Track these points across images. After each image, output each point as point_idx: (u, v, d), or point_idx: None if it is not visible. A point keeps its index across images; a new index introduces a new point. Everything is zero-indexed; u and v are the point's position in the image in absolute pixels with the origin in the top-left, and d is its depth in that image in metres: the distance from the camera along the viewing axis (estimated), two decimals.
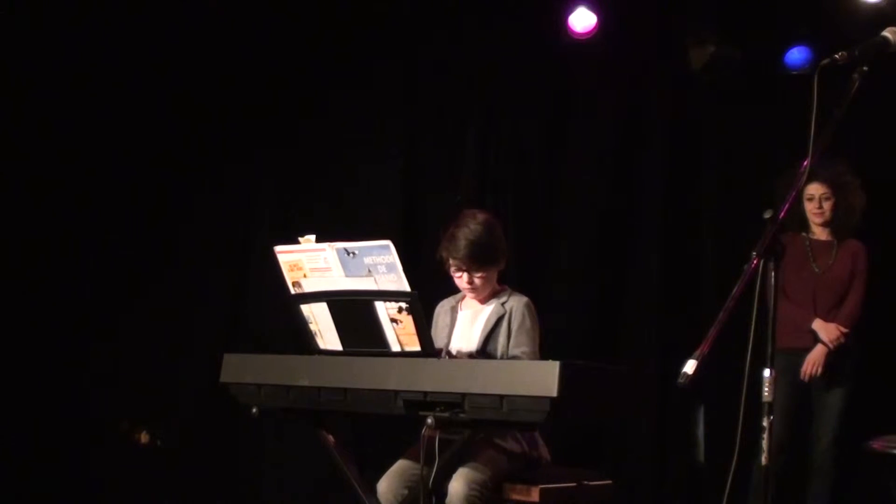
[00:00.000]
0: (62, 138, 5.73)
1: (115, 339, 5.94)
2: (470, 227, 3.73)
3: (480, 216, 3.79)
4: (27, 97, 5.60)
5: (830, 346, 4.81)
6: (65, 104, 5.70)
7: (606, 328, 5.81)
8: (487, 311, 3.82)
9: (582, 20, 5.68)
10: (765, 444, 2.49)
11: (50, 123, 5.69)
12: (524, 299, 3.80)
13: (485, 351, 3.75)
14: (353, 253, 3.36)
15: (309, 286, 3.49)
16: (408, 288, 3.31)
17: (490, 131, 6.02)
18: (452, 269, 3.78)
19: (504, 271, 3.92)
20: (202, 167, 6.07)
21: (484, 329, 3.78)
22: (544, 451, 3.80)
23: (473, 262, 3.73)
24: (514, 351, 3.70)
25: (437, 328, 3.91)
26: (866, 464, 4.40)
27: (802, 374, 4.83)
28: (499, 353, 3.73)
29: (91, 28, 5.65)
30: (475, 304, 3.88)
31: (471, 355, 3.74)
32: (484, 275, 3.77)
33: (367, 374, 3.37)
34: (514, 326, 3.73)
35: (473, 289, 3.80)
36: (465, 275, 3.76)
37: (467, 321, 3.87)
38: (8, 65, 5.50)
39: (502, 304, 3.80)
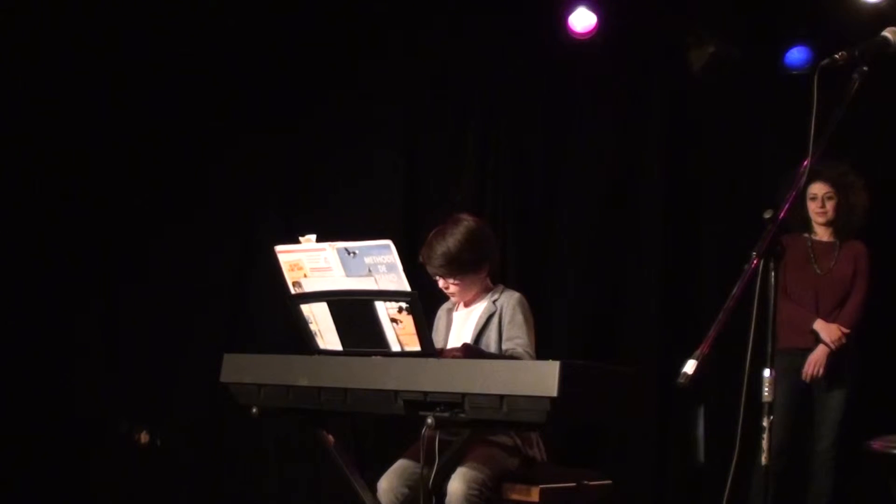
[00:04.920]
0: (60, 136, 5.73)
1: (116, 338, 5.94)
2: (445, 237, 3.72)
3: (462, 223, 3.77)
4: (27, 93, 5.59)
5: (832, 346, 4.81)
6: (64, 102, 5.69)
7: (606, 328, 5.81)
8: (479, 309, 3.83)
9: (582, 20, 5.68)
10: (765, 444, 2.48)
11: (47, 120, 5.68)
12: (516, 295, 3.80)
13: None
14: (354, 253, 3.36)
15: (309, 286, 3.49)
16: (408, 288, 3.31)
17: (490, 131, 6.02)
18: (432, 274, 3.80)
19: (501, 271, 3.92)
20: (202, 167, 6.07)
21: (475, 328, 3.78)
22: (540, 451, 3.80)
23: (446, 272, 3.74)
24: (507, 344, 3.70)
25: (437, 332, 3.92)
26: (866, 464, 4.40)
27: (804, 374, 4.83)
28: (492, 351, 3.72)
29: (95, 26, 5.65)
30: (465, 305, 3.89)
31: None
32: (459, 282, 3.78)
33: (367, 374, 3.37)
34: (506, 321, 3.73)
35: (451, 294, 3.84)
36: (442, 280, 3.79)
37: (460, 322, 3.89)
38: (11, 61, 5.51)
39: (493, 301, 3.80)
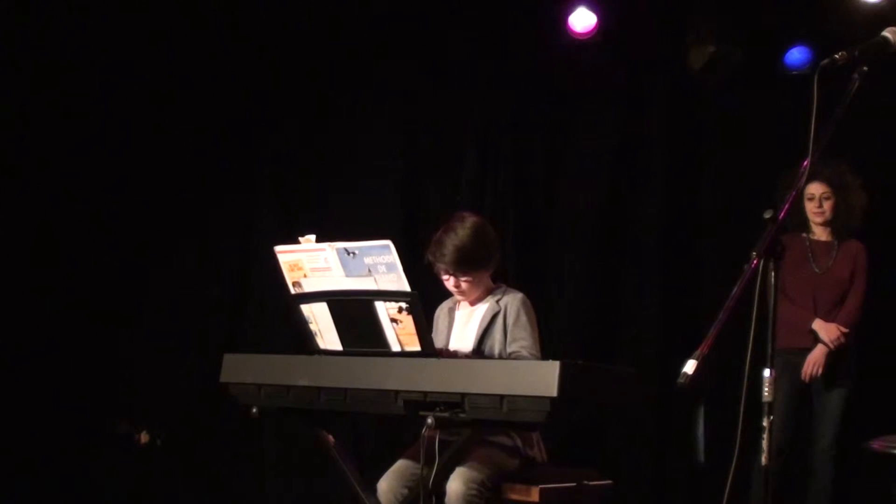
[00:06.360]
0: (62, 136, 5.73)
1: (115, 338, 5.94)
2: (457, 233, 3.71)
3: (469, 220, 3.77)
4: (32, 94, 5.60)
5: (831, 346, 4.81)
6: (67, 103, 5.70)
7: (606, 328, 5.81)
8: (482, 309, 3.82)
9: (582, 20, 5.68)
10: (765, 444, 2.49)
11: (50, 123, 5.69)
12: (519, 295, 3.79)
13: (480, 349, 3.75)
14: (354, 253, 3.36)
15: (309, 286, 3.49)
16: (408, 288, 3.31)
17: (490, 132, 6.02)
18: (440, 272, 3.79)
19: (502, 271, 3.91)
20: (203, 167, 6.07)
21: (479, 327, 3.78)
22: (540, 451, 3.80)
23: (458, 268, 3.73)
24: (512, 346, 3.70)
25: (437, 331, 3.91)
26: (866, 464, 4.40)
27: (803, 374, 4.83)
28: (496, 351, 3.72)
29: (99, 27, 5.65)
30: (470, 304, 3.88)
31: (466, 355, 3.74)
32: (470, 279, 3.76)
33: (367, 374, 3.37)
34: (510, 322, 3.73)
35: (461, 292, 3.81)
36: (452, 278, 3.77)
37: (463, 321, 3.88)
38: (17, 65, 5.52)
39: (497, 301, 3.79)
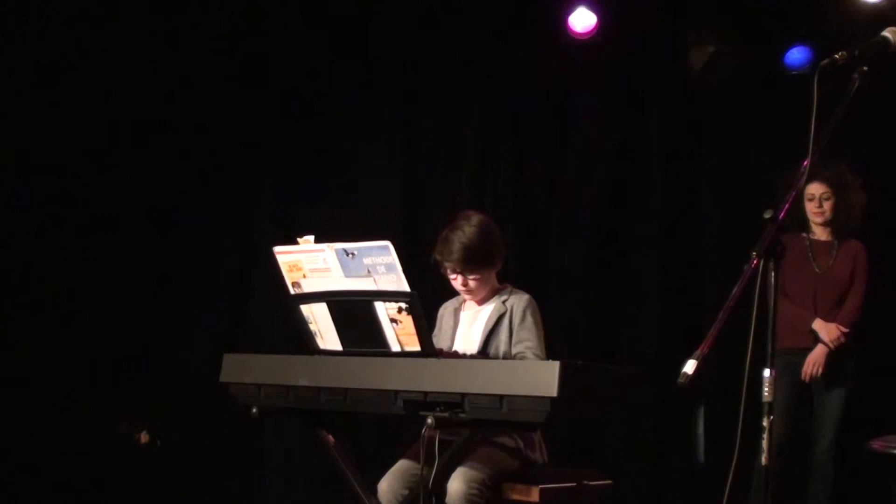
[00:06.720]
0: (62, 134, 5.73)
1: (116, 338, 5.94)
2: (463, 230, 3.71)
3: (475, 218, 3.77)
4: (32, 94, 5.60)
5: (831, 345, 4.81)
6: (67, 102, 5.70)
7: (606, 328, 5.81)
8: (488, 310, 3.81)
9: (582, 20, 5.68)
10: (765, 444, 2.49)
11: (48, 121, 5.69)
12: (525, 296, 3.79)
13: (486, 350, 3.74)
14: (353, 253, 3.36)
15: (308, 286, 3.49)
16: (407, 288, 3.31)
17: (490, 132, 6.02)
18: (448, 271, 3.78)
19: (503, 270, 3.92)
20: (203, 167, 6.07)
21: (485, 328, 3.77)
22: (542, 453, 3.79)
23: (467, 265, 3.72)
24: (517, 347, 3.69)
25: (440, 331, 3.91)
26: (866, 464, 4.40)
27: (803, 374, 4.83)
28: (501, 352, 3.72)
29: (99, 27, 5.66)
30: (476, 304, 3.88)
31: (472, 356, 3.73)
32: (479, 277, 3.76)
33: (367, 374, 3.37)
34: (516, 323, 3.73)
35: (469, 291, 3.80)
36: (460, 277, 3.76)
37: (468, 322, 3.87)
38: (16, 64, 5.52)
39: (503, 301, 3.79)
